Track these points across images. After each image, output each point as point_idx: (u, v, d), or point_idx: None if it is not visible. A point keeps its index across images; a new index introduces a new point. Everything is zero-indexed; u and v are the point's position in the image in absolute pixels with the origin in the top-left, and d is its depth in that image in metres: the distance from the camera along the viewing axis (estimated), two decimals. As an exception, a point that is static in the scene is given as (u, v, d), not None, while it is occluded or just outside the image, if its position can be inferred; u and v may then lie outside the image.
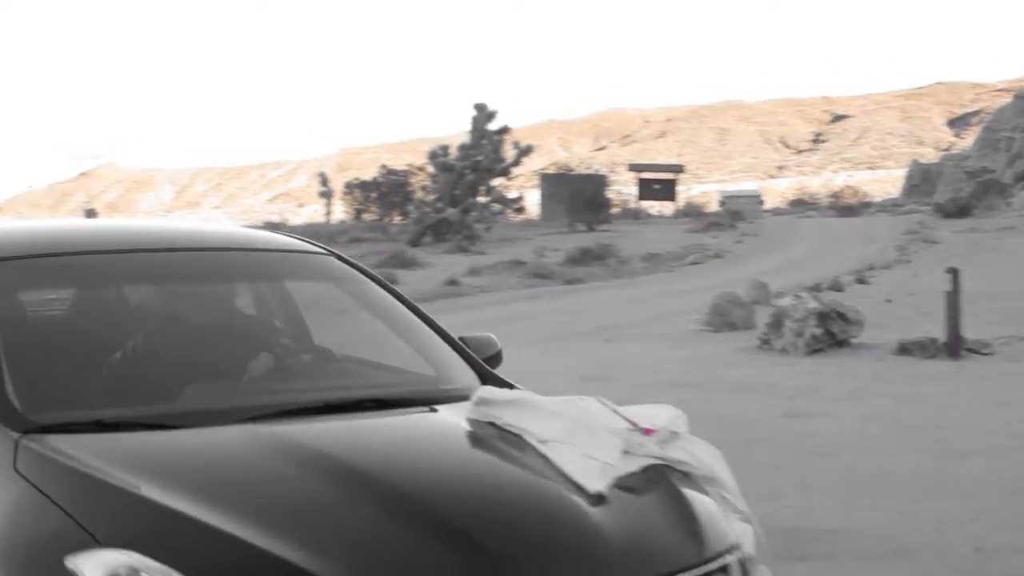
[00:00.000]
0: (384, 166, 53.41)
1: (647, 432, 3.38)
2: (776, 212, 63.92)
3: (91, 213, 66.03)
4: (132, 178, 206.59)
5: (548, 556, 2.82)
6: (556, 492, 3.06)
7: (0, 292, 3.91)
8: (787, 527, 5.84)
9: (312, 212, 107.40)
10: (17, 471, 3.02)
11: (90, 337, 4.07)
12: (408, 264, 28.73)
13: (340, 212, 56.65)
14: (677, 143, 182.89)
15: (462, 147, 42.35)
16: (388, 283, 4.64)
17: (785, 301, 14.35)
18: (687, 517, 3.14)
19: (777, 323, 13.73)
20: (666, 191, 60.34)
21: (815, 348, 13.24)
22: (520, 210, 46.13)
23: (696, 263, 30.76)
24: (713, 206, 61.13)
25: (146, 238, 4.66)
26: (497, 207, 42.63)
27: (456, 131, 62.10)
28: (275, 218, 77.08)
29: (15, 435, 3.16)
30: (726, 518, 3.22)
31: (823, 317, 13.45)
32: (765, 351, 13.60)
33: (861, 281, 22.90)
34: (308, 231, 46.21)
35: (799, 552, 5.65)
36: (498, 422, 3.43)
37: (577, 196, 44.94)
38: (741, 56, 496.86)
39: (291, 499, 2.94)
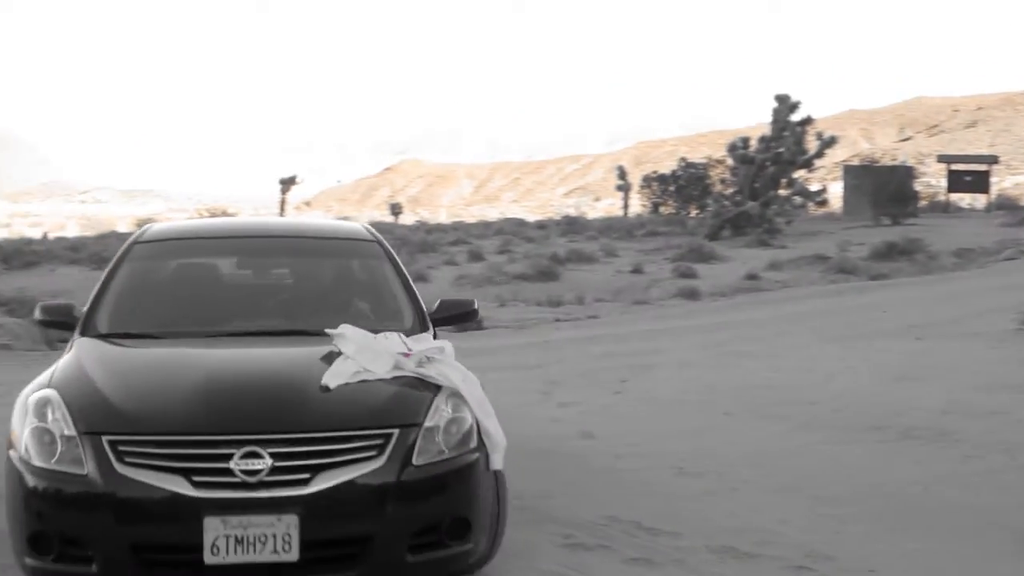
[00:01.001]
0: (683, 159, 53.06)
1: (407, 355, 5.50)
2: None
3: (396, 208, 68.55)
4: (434, 173, 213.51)
5: (265, 406, 5.07)
6: (300, 380, 5.32)
7: (155, 257, 6.91)
8: None
9: (607, 206, 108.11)
10: (68, 350, 5.96)
11: (173, 289, 6.81)
12: (706, 258, 28.43)
13: (637, 205, 56.70)
14: (989, 133, 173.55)
15: (763, 139, 41.58)
16: (402, 265, 6.96)
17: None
18: (370, 400, 5.19)
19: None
20: (978, 183, 57.30)
21: None
22: (822, 203, 44.93)
23: (1012, 259, 29.08)
24: (1029, 199, 57.83)
25: (249, 229, 7.80)
26: (798, 200, 41.63)
27: (755, 122, 60.97)
28: (571, 211, 78.07)
29: (78, 334, 6.11)
30: (435, 412, 5.18)
31: None
32: (1094, 353, 12.72)
33: None
34: (604, 224, 46.55)
35: None
36: (336, 345, 5.54)
37: (882, 189, 43.31)
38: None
39: (158, 381, 5.41)
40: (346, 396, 5.18)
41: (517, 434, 9.12)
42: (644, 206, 54.38)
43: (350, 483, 4.84)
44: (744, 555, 5.98)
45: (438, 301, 6.75)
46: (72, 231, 74.24)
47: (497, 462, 5.36)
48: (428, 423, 5.12)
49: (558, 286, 23.74)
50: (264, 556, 4.74)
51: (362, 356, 5.40)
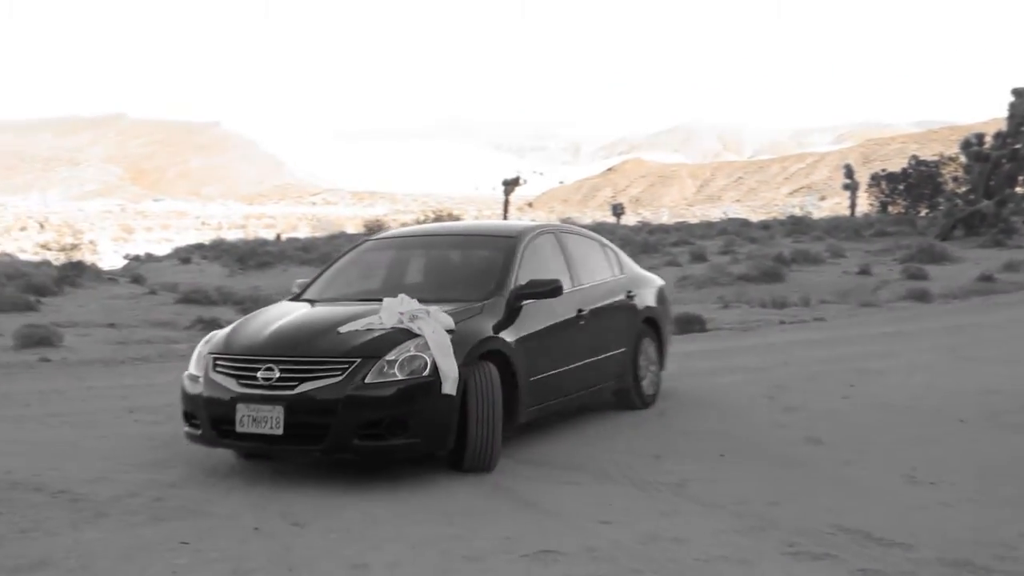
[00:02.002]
0: (913, 156, 51.36)
1: (401, 314, 7.77)
2: None
3: (618, 208, 68.56)
4: (656, 173, 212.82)
5: (288, 341, 7.80)
6: (331, 326, 7.88)
7: (366, 251, 9.92)
8: None
9: (833, 205, 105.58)
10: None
11: (362, 271, 9.66)
12: (937, 259, 27.45)
13: (864, 205, 55.19)
14: None
15: (998, 135, 39.84)
16: (519, 255, 9.13)
17: None
18: (352, 340, 7.64)
19: None
20: None
21: None
22: (1063, 202, 42.78)
23: None
24: None
25: (430, 231, 11.18)
26: (1037, 199, 39.74)
27: (990, 117, 58.52)
28: (796, 211, 76.56)
29: (286, 299, 9.52)
30: (400, 350, 7.52)
31: None
32: None
33: None
34: (830, 224, 45.47)
35: None
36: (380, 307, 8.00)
37: None
38: None
39: (263, 323, 8.36)
40: (340, 338, 7.73)
41: (742, 438, 9.04)
42: (872, 205, 52.89)
43: (316, 390, 7.44)
44: (981, 569, 5.73)
45: (527, 279, 8.80)
46: (303, 232, 76.97)
47: (446, 388, 7.48)
48: (390, 357, 7.52)
49: (783, 287, 23.38)
50: (265, 430, 7.45)
51: (384, 313, 7.86)
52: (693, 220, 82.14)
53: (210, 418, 7.70)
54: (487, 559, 5.86)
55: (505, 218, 62.46)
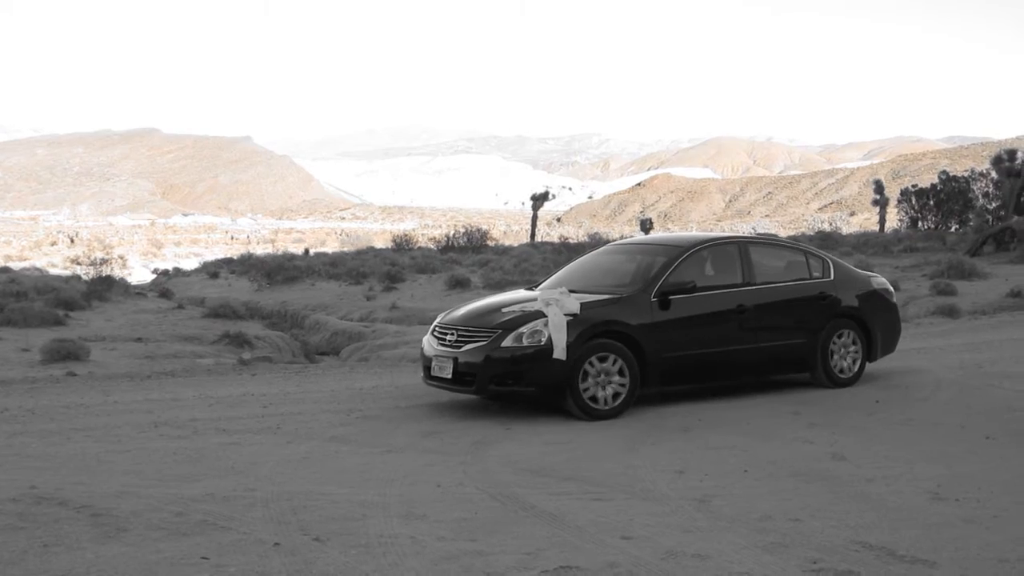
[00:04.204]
0: (944, 172, 51.10)
1: (545, 301, 10.83)
2: None
3: (646, 223, 68.49)
4: (686, 188, 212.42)
5: (464, 317, 11.44)
6: (499, 307, 11.40)
7: (599, 253, 13.26)
8: None
9: (863, 220, 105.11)
10: None
11: (590, 269, 12.67)
12: (967, 275, 27.26)
13: (894, 220, 54.92)
14: None
15: (1030, 150, 39.64)
16: (674, 261, 11.68)
17: None
18: (500, 318, 11.02)
19: None
20: None
21: None
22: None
23: None
24: None
25: (632, 240, 13.97)
26: (1068, 214, 39.46)
27: (1022, 133, 58.16)
28: (825, 226, 76.27)
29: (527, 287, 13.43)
30: (531, 326, 10.67)
31: None
32: None
33: None
34: (859, 239, 45.23)
35: None
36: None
37: None
38: None
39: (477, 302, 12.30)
40: (499, 315, 11.03)
41: (765, 454, 9.00)
42: (901, 221, 52.64)
43: (471, 351, 10.80)
44: (1005, 588, 5.68)
45: (682, 280, 11.40)
46: (332, 247, 77.22)
47: (556, 354, 10.43)
48: (523, 330, 10.63)
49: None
50: (443, 375, 11.04)
51: (539, 299, 10.90)
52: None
53: (424, 367, 11.51)
54: (508, 574, 5.84)
55: (533, 233, 62.51)
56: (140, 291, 30.65)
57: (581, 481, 8.14)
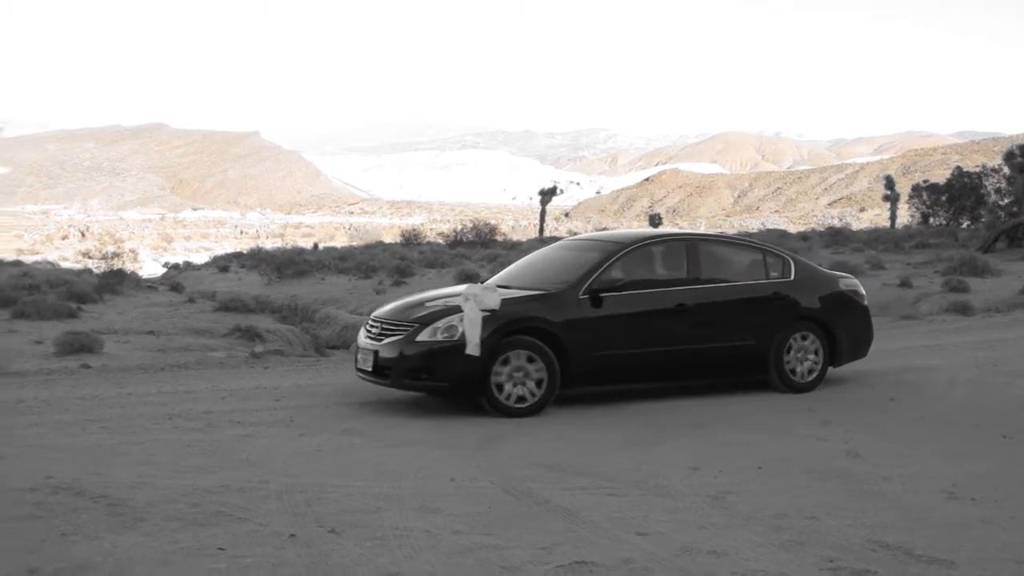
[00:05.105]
0: (956, 168, 50.98)
1: (464, 296, 10.67)
2: None
3: (655, 218, 68.45)
4: (694, 183, 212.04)
5: (398, 313, 11.30)
6: (424, 300, 11.55)
7: (554, 249, 12.90)
8: None
9: (872, 216, 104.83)
10: None
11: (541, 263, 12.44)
12: (979, 271, 27.18)
13: (905, 216, 54.81)
14: None
15: (1042, 146, 39.53)
16: (614, 255, 11.57)
17: None
18: (419, 312, 11.04)
19: None
20: None
21: None
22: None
23: None
24: None
25: (584, 237, 13.56)
26: (1081, 211, 39.35)
27: (1034, 130, 58.03)
28: (835, 222, 76.14)
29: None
30: (445, 320, 10.64)
31: None
32: None
33: None
34: (870, 236, 45.15)
35: None
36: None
37: None
38: None
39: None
40: (420, 310, 11.03)
41: (780, 451, 8.98)
42: (912, 217, 52.55)
43: (389, 344, 10.80)
44: (1023, 587, 5.66)
45: (621, 278, 11.29)
46: (341, 241, 77.29)
47: (468, 350, 10.34)
48: (438, 325, 10.59)
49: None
50: (365, 367, 11.11)
51: (462, 294, 10.74)
52: (731, 231, 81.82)
53: (353, 358, 11.70)
54: (523, 569, 5.84)
55: (542, 228, 62.48)
56: (151, 285, 30.66)
57: (595, 476, 8.14)
